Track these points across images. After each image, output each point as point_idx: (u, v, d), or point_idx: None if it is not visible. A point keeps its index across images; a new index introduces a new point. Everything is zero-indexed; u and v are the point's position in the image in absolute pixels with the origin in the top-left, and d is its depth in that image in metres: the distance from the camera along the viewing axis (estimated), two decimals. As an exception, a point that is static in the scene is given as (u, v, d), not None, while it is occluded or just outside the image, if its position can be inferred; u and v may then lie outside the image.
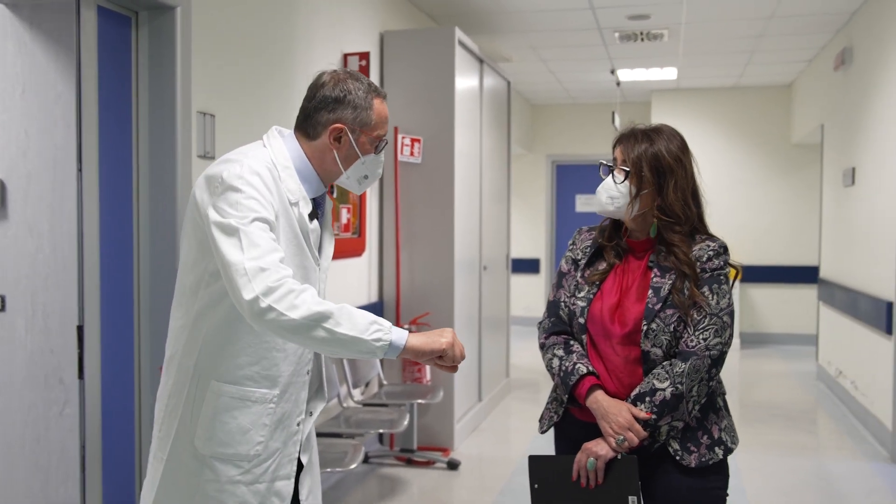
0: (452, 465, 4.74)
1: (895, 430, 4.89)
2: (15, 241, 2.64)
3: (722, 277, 2.04)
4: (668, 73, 8.40)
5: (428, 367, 5.03)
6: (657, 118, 9.17)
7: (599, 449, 2.00)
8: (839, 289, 6.49)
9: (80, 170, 2.70)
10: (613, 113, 8.18)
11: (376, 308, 5.01)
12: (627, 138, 2.11)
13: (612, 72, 8.22)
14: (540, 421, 2.22)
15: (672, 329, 2.00)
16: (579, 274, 2.16)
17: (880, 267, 5.30)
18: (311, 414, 1.98)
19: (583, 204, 10.66)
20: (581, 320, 2.10)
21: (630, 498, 1.98)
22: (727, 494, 2.08)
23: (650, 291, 2.03)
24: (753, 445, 5.21)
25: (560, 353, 2.11)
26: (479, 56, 5.63)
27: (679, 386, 1.96)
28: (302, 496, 1.96)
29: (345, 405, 4.35)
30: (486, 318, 5.91)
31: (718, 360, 2.00)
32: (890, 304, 5.02)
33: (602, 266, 2.14)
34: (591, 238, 2.20)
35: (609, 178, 2.11)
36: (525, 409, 6.36)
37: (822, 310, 7.32)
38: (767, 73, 8.50)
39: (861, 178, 5.92)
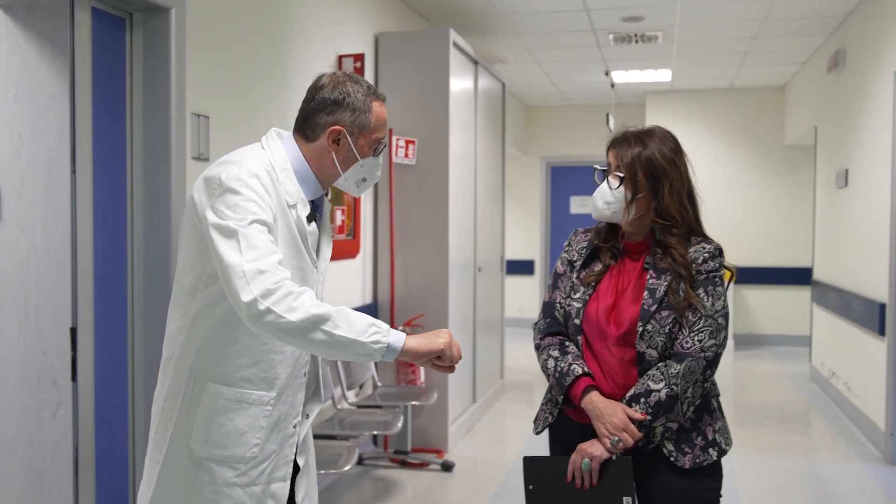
0: (447, 467, 4.74)
1: (888, 430, 4.91)
2: (8, 243, 2.63)
3: (717, 279, 2.05)
4: (663, 75, 8.42)
5: (422, 369, 5.03)
6: (651, 120, 9.20)
7: (594, 450, 2.00)
8: (832, 290, 6.51)
9: (73, 171, 2.69)
10: (608, 114, 8.20)
11: (371, 310, 5.01)
12: (620, 142, 2.11)
13: (607, 73, 8.24)
14: (535, 422, 2.22)
15: (667, 330, 2.01)
16: (575, 275, 2.16)
17: (873, 268, 5.32)
18: (307, 416, 1.97)
19: (577, 205, 10.67)
20: (576, 321, 2.10)
21: (625, 499, 1.99)
22: (721, 495, 2.08)
23: (646, 293, 2.03)
24: (747, 446, 5.22)
25: (555, 353, 2.11)
26: (473, 57, 5.63)
27: (674, 387, 1.97)
28: (298, 498, 1.96)
29: (339, 407, 4.35)
30: (481, 320, 5.91)
31: (713, 362, 2.01)
32: (882, 306, 5.04)
33: (598, 267, 2.14)
34: (586, 239, 2.21)
35: (604, 184, 2.12)
36: (519, 410, 6.36)
37: (816, 311, 7.34)
38: (761, 75, 8.53)
39: (854, 179, 5.94)
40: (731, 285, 2.21)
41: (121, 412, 3.00)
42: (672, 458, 2.01)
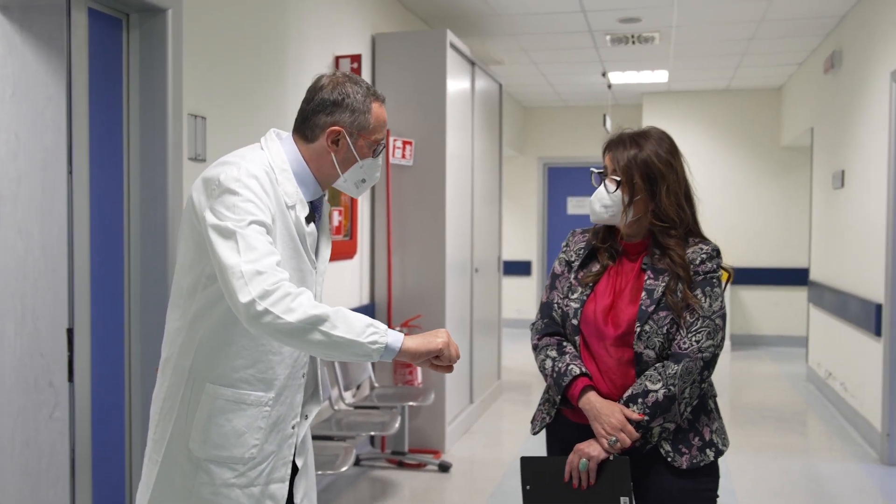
0: (444, 468, 4.74)
1: (884, 431, 4.91)
2: (4, 244, 2.63)
3: (714, 280, 2.05)
4: (660, 76, 8.43)
5: (419, 370, 5.03)
6: (648, 121, 9.20)
7: (592, 450, 2.00)
8: (829, 291, 6.52)
9: (70, 172, 2.69)
10: (605, 115, 8.21)
11: (368, 310, 5.01)
12: (616, 145, 2.11)
13: (604, 74, 8.24)
14: (532, 422, 2.22)
15: (665, 331, 2.01)
16: (573, 275, 2.16)
17: (869, 269, 5.33)
18: (306, 417, 1.97)
19: (574, 206, 10.67)
20: (574, 322, 2.10)
21: (622, 499, 1.99)
22: (718, 496, 2.09)
23: (643, 293, 2.04)
24: (744, 447, 5.23)
25: (553, 354, 2.11)
26: (470, 58, 5.64)
27: (671, 388, 1.97)
28: (297, 499, 1.96)
29: (336, 408, 4.34)
30: (478, 321, 5.91)
31: (710, 363, 2.01)
32: (879, 306, 5.05)
33: (595, 268, 2.15)
34: (584, 240, 2.21)
35: (601, 188, 2.12)
36: (516, 411, 6.36)
37: (812, 312, 7.35)
38: (758, 77, 8.54)
39: (850, 180, 5.95)
40: (728, 286, 2.21)
41: (117, 413, 3.00)
42: (669, 459, 2.01)
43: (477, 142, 5.85)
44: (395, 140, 4.93)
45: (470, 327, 5.73)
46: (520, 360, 8.08)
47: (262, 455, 1.82)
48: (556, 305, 2.17)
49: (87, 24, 2.78)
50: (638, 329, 2.01)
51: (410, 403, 4.61)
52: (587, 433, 2.04)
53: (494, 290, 6.52)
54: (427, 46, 5.06)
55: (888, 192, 4.90)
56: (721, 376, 7.47)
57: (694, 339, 2.00)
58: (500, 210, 6.71)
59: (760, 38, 6.83)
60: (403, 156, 4.97)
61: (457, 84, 5.30)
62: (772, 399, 6.85)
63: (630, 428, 1.98)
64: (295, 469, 1.95)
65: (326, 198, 2.00)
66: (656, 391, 1.97)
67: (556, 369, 2.08)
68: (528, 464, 2.10)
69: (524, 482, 2.09)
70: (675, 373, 1.98)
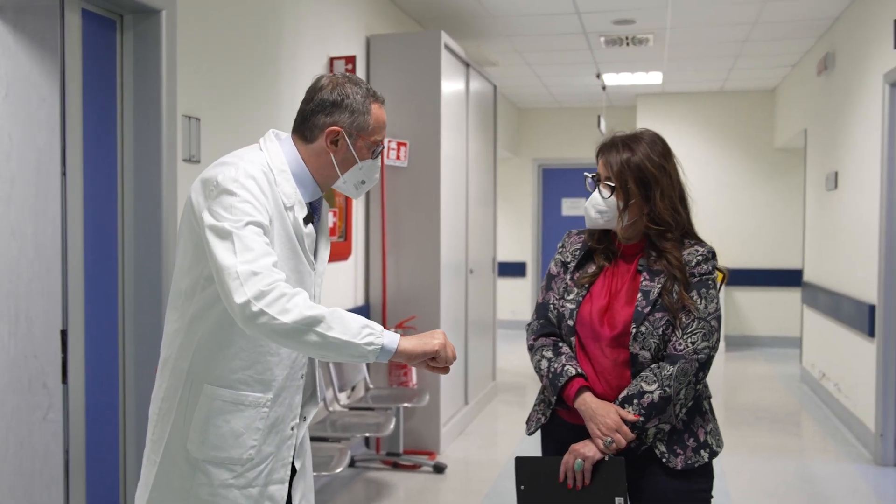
0: (439, 469, 4.74)
1: (877, 432, 4.93)
2: (-2, 245, 2.62)
3: (710, 282, 2.06)
4: (654, 78, 8.44)
5: (414, 371, 5.03)
6: (643, 122, 9.22)
7: (587, 450, 2.01)
8: (822, 292, 6.54)
9: (64, 173, 2.68)
10: (599, 117, 8.22)
11: (363, 312, 5.00)
12: (608, 149, 2.11)
13: (598, 76, 8.26)
14: (527, 423, 2.22)
15: (660, 332, 2.01)
16: (568, 276, 2.16)
17: (863, 270, 5.35)
18: (304, 419, 1.97)
19: (569, 207, 10.69)
20: (570, 322, 2.11)
21: (617, 499, 1.99)
22: (712, 497, 2.09)
23: (639, 295, 2.04)
24: (738, 448, 5.24)
25: (549, 354, 2.12)
26: (465, 60, 5.64)
27: (667, 389, 1.97)
28: (295, 501, 1.95)
29: (331, 409, 4.34)
30: (473, 322, 5.91)
31: (706, 364, 2.02)
32: (872, 307, 5.06)
33: (591, 269, 2.15)
34: (580, 241, 2.21)
35: (596, 193, 2.12)
36: (511, 412, 6.36)
37: (806, 313, 7.37)
38: (751, 78, 8.57)
39: (843, 181, 5.97)
40: (723, 287, 2.22)
41: (111, 414, 2.99)
42: (664, 460, 2.01)
43: (471, 143, 5.85)
44: (389, 141, 4.93)
45: (465, 328, 5.73)
46: (515, 361, 8.08)
47: (261, 456, 1.82)
48: (551, 306, 2.17)
49: (80, 25, 2.77)
50: (634, 330, 2.01)
51: (405, 405, 4.61)
52: (582, 434, 2.04)
53: (489, 291, 6.53)
54: (421, 48, 5.07)
55: (881, 193, 4.92)
56: (715, 377, 7.48)
57: (689, 340, 2.00)
58: (495, 211, 6.71)
59: (754, 40, 6.85)
60: (398, 157, 4.97)
61: (451, 85, 5.31)
62: (766, 400, 6.87)
63: (625, 429, 1.98)
64: (293, 471, 1.94)
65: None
66: (652, 392, 1.98)
67: (552, 370, 2.08)
68: (522, 464, 2.10)
69: (518, 482, 2.09)
70: (671, 374, 1.98)
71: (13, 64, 2.59)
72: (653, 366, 2.01)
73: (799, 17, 6.13)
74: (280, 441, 1.86)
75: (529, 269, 10.71)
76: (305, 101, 1.89)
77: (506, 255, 10.30)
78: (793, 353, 8.61)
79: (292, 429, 1.89)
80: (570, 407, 2.07)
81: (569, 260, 2.19)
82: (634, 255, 2.13)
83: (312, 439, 3.87)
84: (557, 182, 10.73)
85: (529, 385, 7.27)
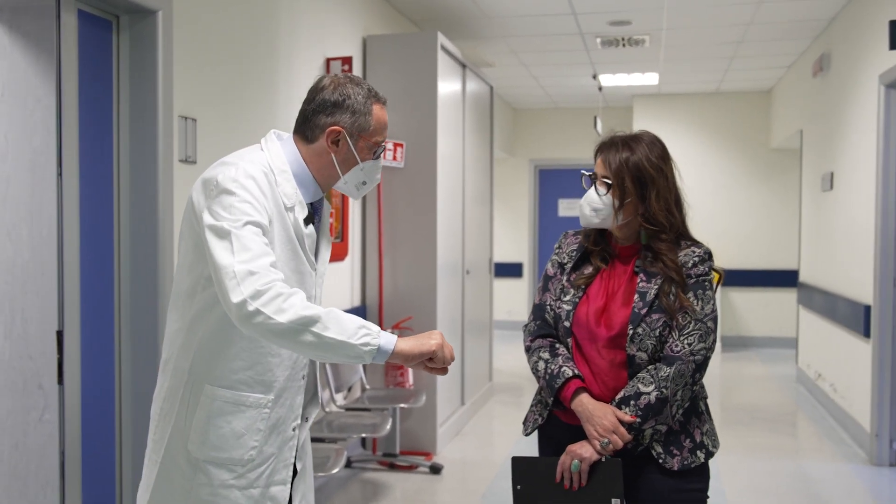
0: (435, 469, 4.74)
1: (873, 432, 4.94)
2: (-6, 246, 2.61)
3: (706, 283, 2.06)
4: (650, 79, 8.45)
5: (410, 371, 5.03)
6: (639, 123, 9.23)
7: (584, 451, 2.01)
8: (818, 292, 6.55)
9: (60, 174, 2.68)
10: (595, 118, 8.23)
11: (359, 312, 5.00)
12: (608, 147, 2.12)
13: (594, 77, 8.27)
14: (524, 423, 2.23)
15: (657, 334, 2.02)
16: (565, 278, 2.17)
17: (858, 271, 5.36)
18: (306, 420, 1.97)
19: (565, 208, 10.70)
20: (566, 324, 2.11)
21: (613, 500, 1.99)
22: (708, 497, 2.09)
23: (636, 296, 2.04)
24: (734, 448, 5.24)
25: (546, 356, 2.12)
26: (461, 61, 5.64)
27: (664, 390, 1.98)
28: (295, 502, 1.95)
29: (327, 410, 4.34)
30: (469, 322, 5.92)
31: (702, 365, 2.02)
32: (868, 308, 5.07)
33: (588, 270, 2.15)
34: (577, 242, 2.21)
35: (591, 190, 2.12)
36: (508, 412, 6.36)
37: (802, 313, 7.39)
38: (747, 79, 8.58)
39: (839, 182, 5.98)
40: (719, 288, 2.22)
41: (107, 416, 2.99)
42: (661, 460, 2.02)
43: (468, 144, 5.85)
44: (385, 142, 4.92)
45: (461, 329, 5.73)
46: (511, 361, 8.09)
47: (262, 457, 1.82)
48: (548, 307, 2.17)
49: (76, 26, 2.77)
50: (631, 331, 2.02)
51: (402, 405, 4.61)
52: (579, 434, 2.05)
53: (486, 291, 6.53)
54: (418, 48, 5.07)
55: (876, 193, 4.93)
56: (711, 378, 7.49)
57: (686, 341, 2.01)
58: (492, 212, 6.71)
59: (750, 41, 6.86)
60: (394, 158, 4.97)
61: (448, 86, 5.31)
62: (762, 400, 6.88)
63: (622, 430, 1.98)
64: (294, 472, 1.94)
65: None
66: (648, 393, 1.98)
67: (549, 371, 2.09)
68: (519, 464, 2.10)
69: (515, 482, 2.09)
70: (668, 375, 1.98)
71: (9, 64, 2.58)
72: (650, 367, 2.02)
73: (794, 18, 6.15)
74: (282, 442, 1.85)
75: (526, 270, 10.72)
76: (307, 101, 1.88)
77: (502, 255, 10.30)
78: (789, 353, 8.63)
79: (294, 430, 1.89)
80: (567, 408, 2.07)
81: (565, 261, 2.20)
82: (631, 256, 2.13)
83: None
84: (554, 183, 10.74)
85: (526, 386, 7.27)
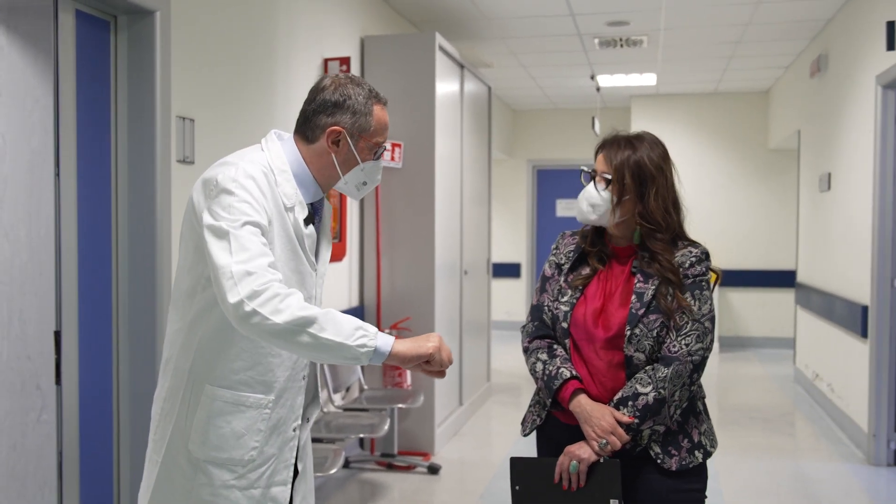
0: (433, 470, 4.74)
1: (870, 432, 4.95)
2: (-9, 247, 2.61)
3: (703, 283, 2.07)
4: (648, 79, 8.46)
5: (408, 372, 5.03)
6: (637, 124, 9.24)
7: (582, 452, 2.01)
8: (816, 293, 6.56)
9: (57, 175, 2.68)
10: (594, 118, 8.24)
11: (357, 313, 5.00)
12: (610, 144, 2.13)
13: (592, 77, 8.27)
14: (522, 424, 2.23)
15: (655, 334, 2.02)
16: (563, 278, 2.17)
17: (856, 271, 5.37)
18: (307, 420, 1.96)
19: (563, 209, 10.70)
20: (564, 324, 2.11)
21: (612, 501, 2.00)
22: (706, 496, 2.10)
23: (633, 297, 2.05)
24: (732, 448, 5.25)
25: (544, 356, 2.12)
26: (459, 61, 5.64)
27: (662, 391, 1.98)
28: (295, 503, 1.95)
29: (325, 410, 4.34)
30: (467, 323, 5.92)
31: (700, 366, 2.03)
32: (865, 308, 5.08)
33: (585, 271, 2.15)
34: (574, 243, 2.22)
35: (590, 186, 2.13)
36: (506, 413, 6.37)
37: (800, 313, 7.39)
38: (745, 80, 8.59)
39: (836, 182, 5.99)
40: (717, 288, 2.22)
41: (105, 416, 2.99)
42: (659, 461, 2.02)
43: (466, 144, 5.85)
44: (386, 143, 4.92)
45: (459, 329, 5.73)
46: (509, 362, 8.09)
47: (263, 457, 1.82)
48: (546, 308, 2.17)
49: (74, 26, 2.76)
50: (628, 332, 2.02)
51: (400, 405, 4.61)
52: (578, 435, 2.05)
53: (484, 292, 6.53)
54: (416, 49, 5.07)
55: (874, 194, 4.94)
56: (709, 378, 7.50)
57: (684, 342, 2.01)
58: (490, 212, 6.72)
59: (747, 42, 6.87)
60: (392, 158, 4.97)
61: (446, 87, 5.31)
62: (759, 400, 6.88)
63: (620, 430, 1.98)
64: (295, 472, 1.94)
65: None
66: (646, 394, 1.98)
67: (547, 372, 2.09)
68: (517, 464, 2.10)
69: (513, 483, 2.09)
70: (666, 376, 1.99)
71: (6, 65, 2.58)
72: (647, 368, 2.02)
73: (792, 18, 6.16)
74: (282, 442, 1.85)
75: (524, 270, 10.72)
76: (308, 102, 1.88)
77: (500, 256, 10.30)
78: (786, 353, 8.63)
79: (294, 430, 1.88)
80: (566, 409, 2.07)
81: (563, 262, 2.20)
82: (628, 257, 2.13)
83: (307, 440, 3.87)
84: (552, 183, 10.74)
85: (524, 386, 7.27)
